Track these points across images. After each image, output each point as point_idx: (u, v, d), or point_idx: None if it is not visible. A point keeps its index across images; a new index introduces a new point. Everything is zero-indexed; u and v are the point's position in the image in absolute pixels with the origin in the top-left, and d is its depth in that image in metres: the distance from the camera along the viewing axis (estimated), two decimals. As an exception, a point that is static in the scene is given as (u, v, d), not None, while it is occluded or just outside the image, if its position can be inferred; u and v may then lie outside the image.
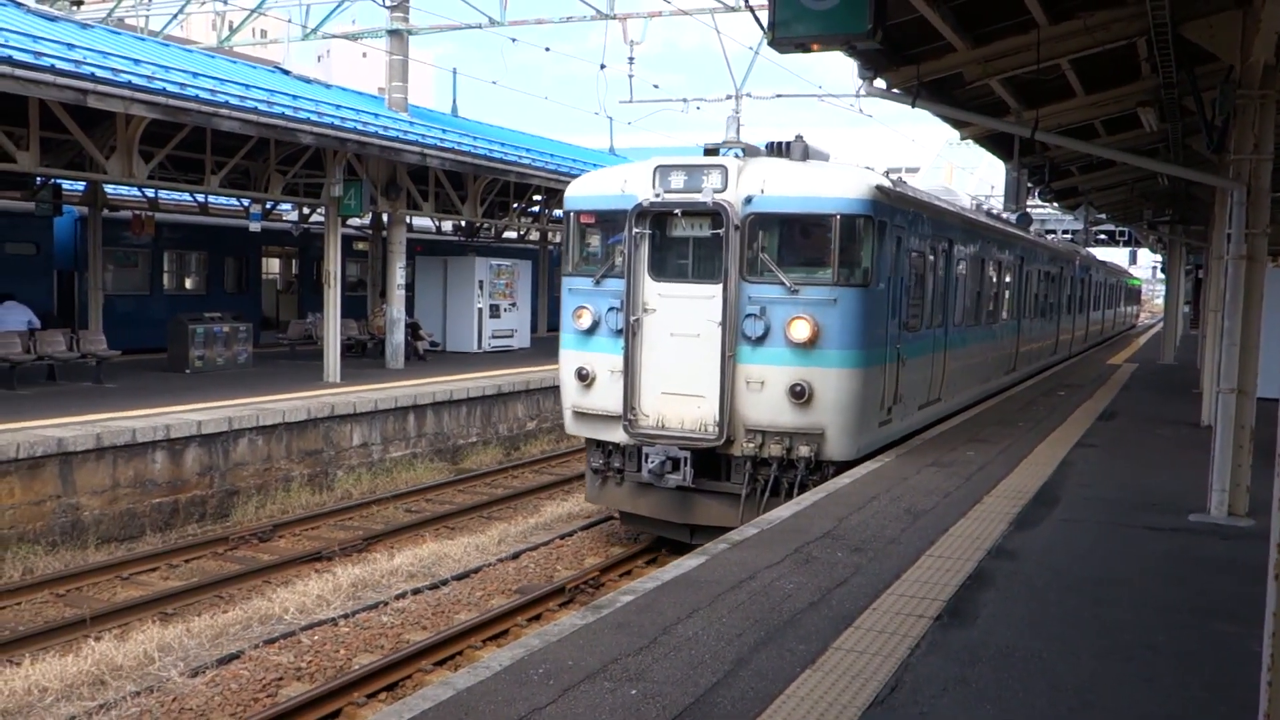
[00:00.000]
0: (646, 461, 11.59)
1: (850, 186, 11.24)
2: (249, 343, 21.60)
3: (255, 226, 23.89)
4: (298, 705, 7.99)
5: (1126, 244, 49.03)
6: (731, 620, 6.26)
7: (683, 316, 11.50)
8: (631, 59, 23.97)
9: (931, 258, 14.01)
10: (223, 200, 27.22)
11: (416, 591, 11.04)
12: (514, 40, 38.52)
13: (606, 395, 11.89)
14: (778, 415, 11.12)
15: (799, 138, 12.35)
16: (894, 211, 11.94)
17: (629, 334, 11.65)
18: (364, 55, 78.48)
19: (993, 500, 9.80)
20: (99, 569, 11.65)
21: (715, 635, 5.99)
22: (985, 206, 21.64)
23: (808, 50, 8.47)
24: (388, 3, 24.07)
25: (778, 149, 12.32)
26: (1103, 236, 43.12)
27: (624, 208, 11.60)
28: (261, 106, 16.68)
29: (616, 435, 11.89)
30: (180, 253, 27.32)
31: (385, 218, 23.88)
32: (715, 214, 11.19)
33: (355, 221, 25.73)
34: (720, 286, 11.24)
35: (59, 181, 21.58)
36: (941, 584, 7.07)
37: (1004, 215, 21.46)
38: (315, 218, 26.68)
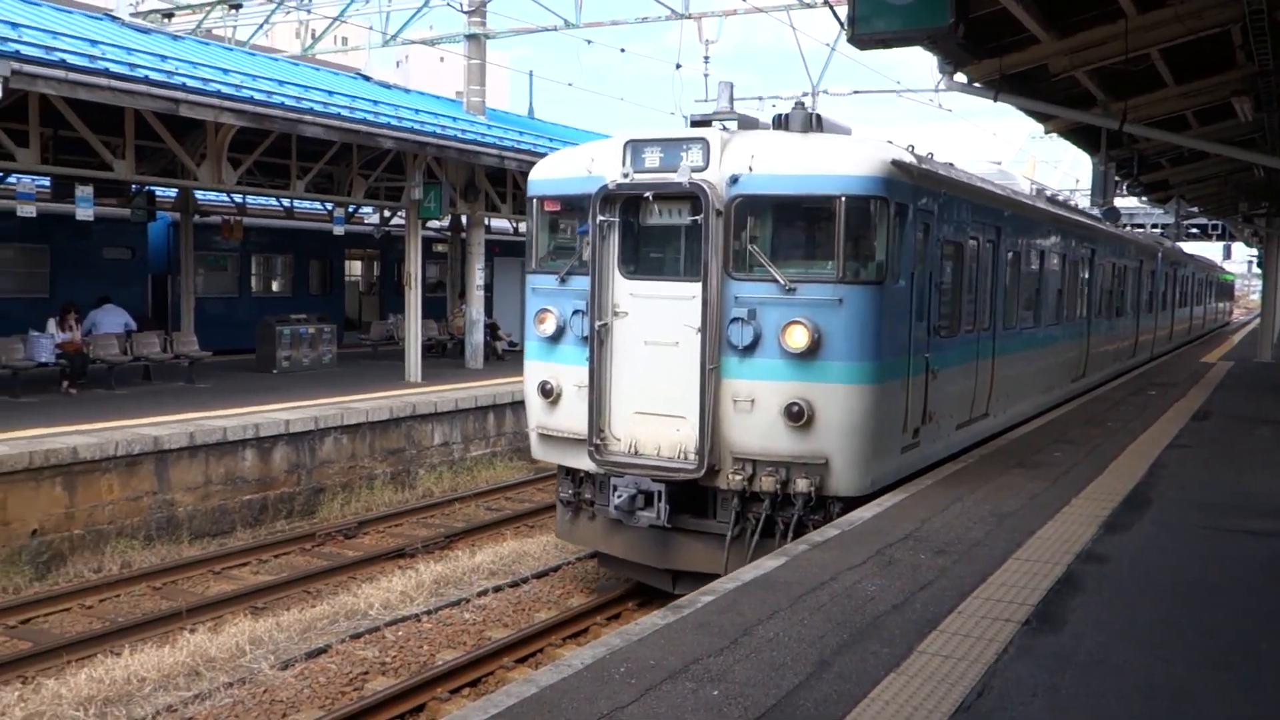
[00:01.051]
0: (614, 495, 9.73)
1: (858, 161, 9.30)
2: (333, 343, 22.06)
3: (338, 230, 24.35)
4: (383, 699, 8.14)
5: (1220, 238, 47.53)
6: (813, 622, 6.21)
7: (659, 321, 9.66)
8: (707, 58, 23.89)
9: (974, 249, 12.11)
10: (307, 204, 27.82)
11: (497, 589, 11.17)
12: (589, 42, 38.65)
13: (573, 414, 10.06)
14: (771, 440, 9.27)
15: (799, 104, 10.57)
16: (918, 193, 10.05)
17: (594, 341, 9.79)
18: (441, 60, 79.32)
19: (1081, 503, 9.58)
20: (193, 563, 11.99)
21: (796, 637, 5.95)
22: (1049, 192, 19.03)
23: (888, 46, 8.40)
24: (466, 8, 24.36)
25: (783, 123, 10.47)
26: (1195, 231, 41.93)
27: (589, 191, 9.78)
28: (344, 112, 17.02)
29: (585, 462, 10.05)
30: (267, 256, 28.01)
31: (464, 220, 24.20)
32: (695, 198, 9.33)
33: (434, 224, 26.08)
34: (700, 285, 9.40)
35: (152, 188, 22.25)
36: (1029, 588, 6.93)
37: (1073, 203, 19.90)
38: (396, 220, 27.14)
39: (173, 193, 23.04)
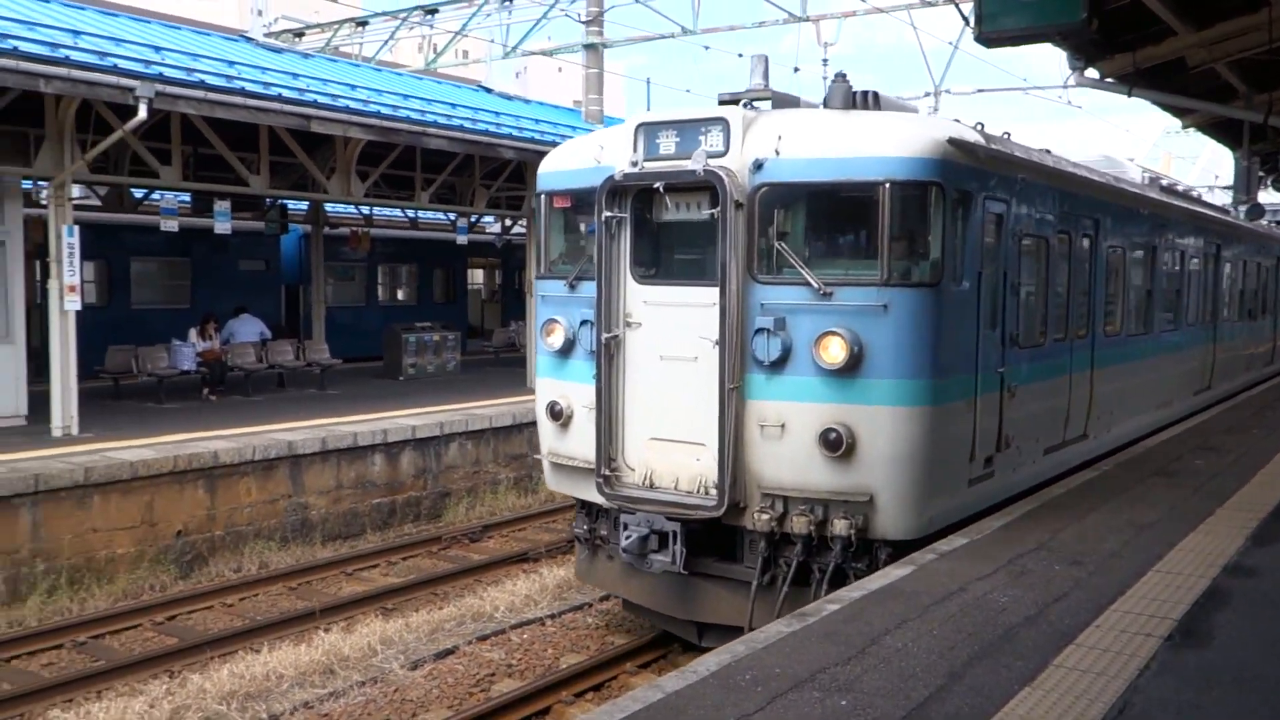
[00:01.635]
0: (624, 534, 8.53)
1: (905, 140, 7.90)
2: (457, 350, 22.56)
3: (461, 239, 24.90)
4: (510, 701, 8.28)
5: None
6: (943, 633, 6.08)
7: (676, 332, 8.43)
8: (825, 60, 23.62)
9: (1064, 245, 10.57)
10: (430, 215, 28.51)
11: (619, 594, 11.23)
12: (706, 48, 38.65)
13: (585, 439, 8.87)
14: (805, 473, 7.96)
15: (841, 75, 9.13)
16: (986, 178, 8.63)
17: (602, 356, 8.62)
18: (559, 70, 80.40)
19: (1226, 513, 9.16)
20: (326, 565, 12.39)
21: (926, 648, 5.84)
22: (1166, 182, 16.72)
23: (1017, 44, 8.19)
24: (583, 18, 24.64)
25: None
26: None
27: (597, 184, 8.61)
28: (466, 124, 17.42)
29: (597, 494, 8.86)
30: (392, 265, 28.83)
31: (583, 227, 24.40)
32: (714, 189, 8.07)
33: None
34: (718, 290, 8.09)
35: (285, 202, 23.10)
36: (1171, 601, 6.66)
37: (1195, 194, 17.90)
38: (516, 229, 27.58)
39: (304, 206, 23.89)
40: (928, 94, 23.94)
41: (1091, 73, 10.67)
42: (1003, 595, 6.79)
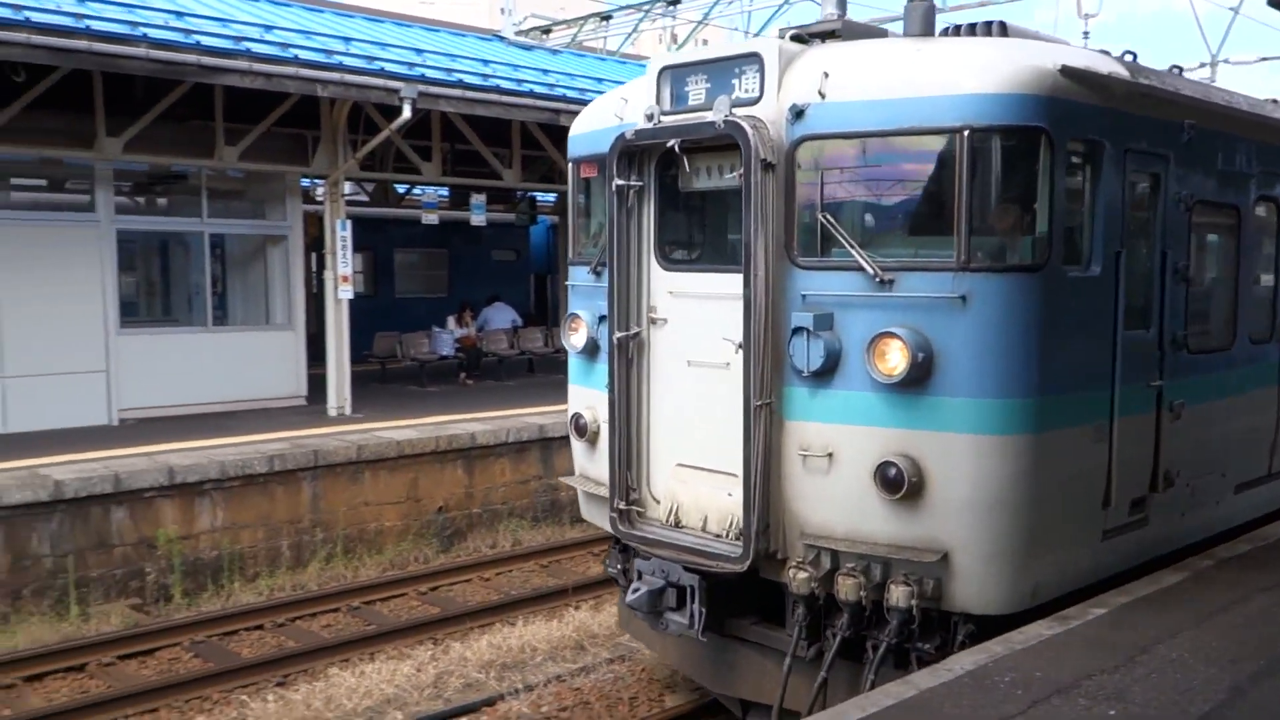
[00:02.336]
0: (637, 584, 7.03)
1: (995, 71, 5.82)
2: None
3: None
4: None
5: None
6: (1223, 645, 5.63)
7: (705, 331, 6.72)
8: (1086, 34, 22.28)
9: (1261, 216, 8.15)
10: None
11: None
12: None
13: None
14: (857, 518, 6.10)
15: None
16: (1129, 124, 6.47)
17: (616, 360, 7.03)
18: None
19: None
20: (575, 545, 12.81)
21: (1204, 659, 5.42)
22: None
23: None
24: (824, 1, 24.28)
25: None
26: None
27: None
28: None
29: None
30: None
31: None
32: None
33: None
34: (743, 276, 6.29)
35: (534, 194, 24.01)
36: None
37: None
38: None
39: (551, 197, 24.74)
40: (1203, 64, 22.17)
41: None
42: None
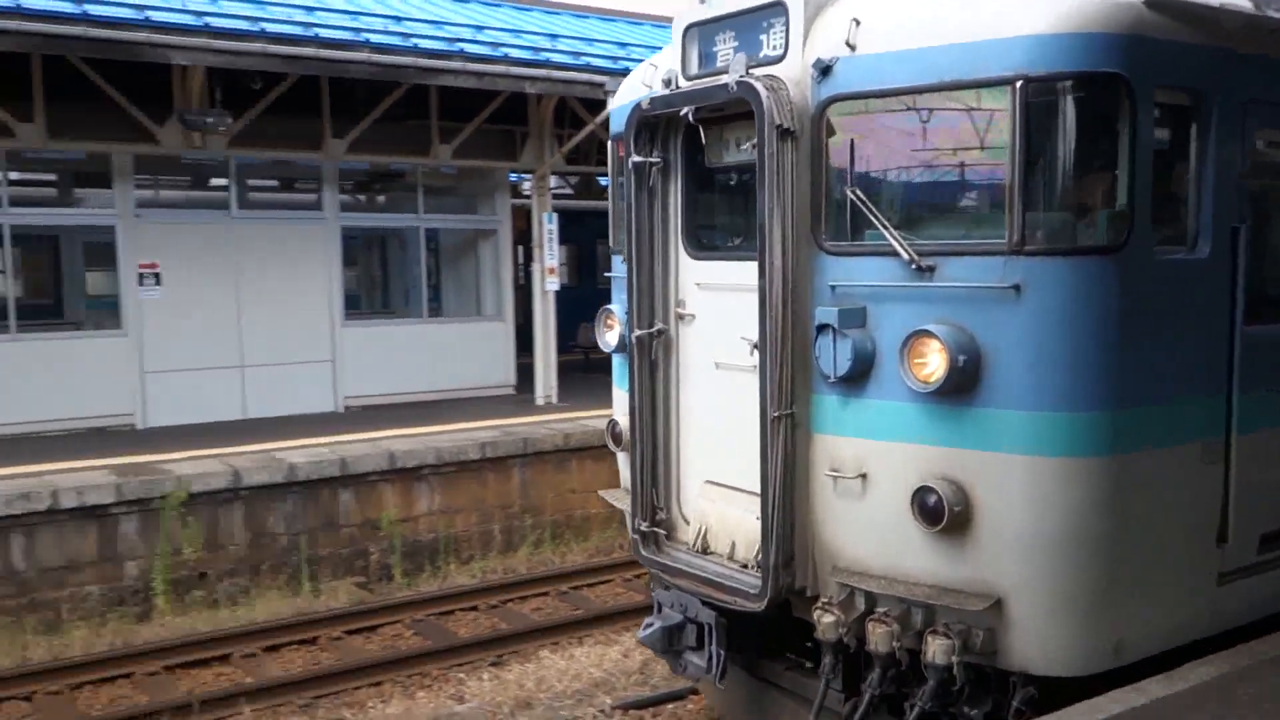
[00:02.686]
0: (651, 618, 6.33)
1: (1055, 6, 4.64)
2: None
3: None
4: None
5: None
6: None
7: (734, 329, 5.75)
8: None
9: None
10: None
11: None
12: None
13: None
14: (896, 552, 5.10)
15: None
16: (1244, 67, 5.16)
17: (637, 361, 6.19)
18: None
19: None
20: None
21: None
22: None
23: None
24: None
25: None
26: None
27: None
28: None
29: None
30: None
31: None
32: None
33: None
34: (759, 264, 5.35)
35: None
36: None
37: None
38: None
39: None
40: None
41: None
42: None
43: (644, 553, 6.23)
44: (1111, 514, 4.77)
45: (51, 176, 14.78)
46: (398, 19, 13.73)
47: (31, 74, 12.27)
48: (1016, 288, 4.66)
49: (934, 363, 4.78)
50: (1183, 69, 4.91)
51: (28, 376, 12.78)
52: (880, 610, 5.11)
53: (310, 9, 13.07)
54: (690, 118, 5.71)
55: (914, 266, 4.92)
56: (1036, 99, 4.62)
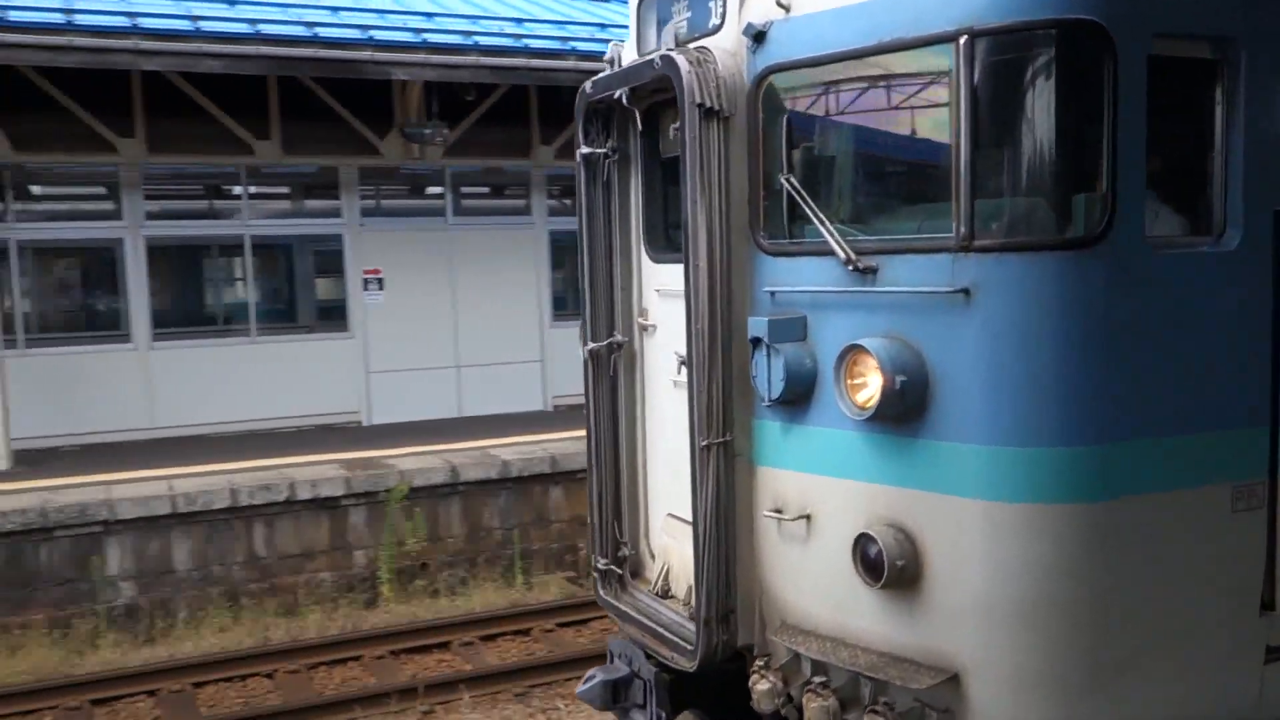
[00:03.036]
0: (593, 670, 5.56)
1: None
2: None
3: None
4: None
5: None
6: None
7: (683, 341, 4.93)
8: None
9: None
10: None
11: None
12: None
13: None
14: (843, 609, 4.16)
15: None
16: (1266, 12, 3.86)
17: (592, 377, 5.44)
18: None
19: None
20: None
21: None
22: None
23: None
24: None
25: None
26: None
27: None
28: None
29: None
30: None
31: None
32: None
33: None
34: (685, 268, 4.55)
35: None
36: None
37: None
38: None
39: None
40: None
41: None
42: None
43: (602, 593, 5.49)
44: (1094, 575, 3.74)
45: (285, 189, 15.82)
46: (602, 26, 13.99)
47: (268, 94, 13.19)
48: (966, 291, 3.71)
49: (873, 384, 3.88)
50: (1199, 11, 3.79)
51: (265, 377, 13.74)
52: (818, 680, 4.19)
53: (520, 20, 13.51)
54: (625, 100, 4.90)
55: (851, 268, 3.99)
56: (987, 58, 3.65)
